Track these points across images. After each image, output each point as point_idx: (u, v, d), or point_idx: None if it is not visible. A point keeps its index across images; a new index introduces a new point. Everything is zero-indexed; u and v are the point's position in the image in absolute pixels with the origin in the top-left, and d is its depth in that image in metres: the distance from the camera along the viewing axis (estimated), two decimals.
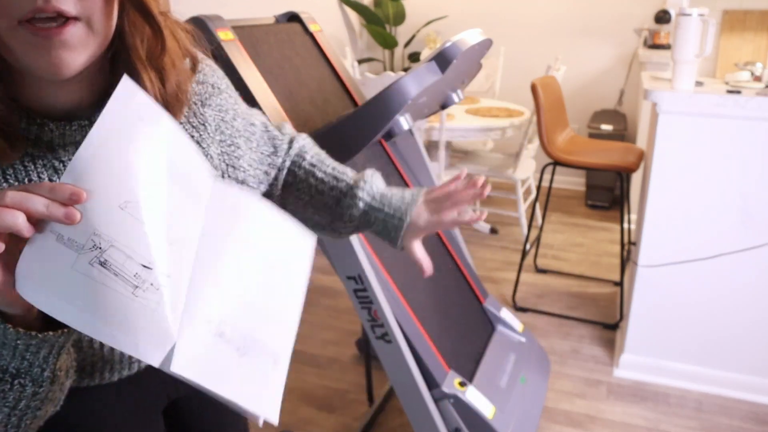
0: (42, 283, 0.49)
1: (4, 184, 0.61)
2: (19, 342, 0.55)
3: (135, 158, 0.54)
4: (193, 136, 0.80)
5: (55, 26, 0.55)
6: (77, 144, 0.65)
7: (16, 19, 0.54)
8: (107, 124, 0.53)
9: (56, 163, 0.65)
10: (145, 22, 0.64)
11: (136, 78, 0.64)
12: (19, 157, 0.61)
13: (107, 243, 0.50)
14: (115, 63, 0.65)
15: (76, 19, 0.56)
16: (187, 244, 0.58)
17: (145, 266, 0.52)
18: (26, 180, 0.63)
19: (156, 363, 0.53)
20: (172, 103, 0.69)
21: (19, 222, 0.48)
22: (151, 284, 0.53)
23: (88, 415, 0.81)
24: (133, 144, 0.54)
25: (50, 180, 0.64)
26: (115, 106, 0.54)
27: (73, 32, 0.57)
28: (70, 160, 0.65)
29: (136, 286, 0.52)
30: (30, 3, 0.54)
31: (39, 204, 0.48)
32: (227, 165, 0.84)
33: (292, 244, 0.70)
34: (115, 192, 0.51)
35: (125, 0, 0.62)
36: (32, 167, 0.63)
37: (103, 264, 0.50)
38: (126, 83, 0.56)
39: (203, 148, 0.82)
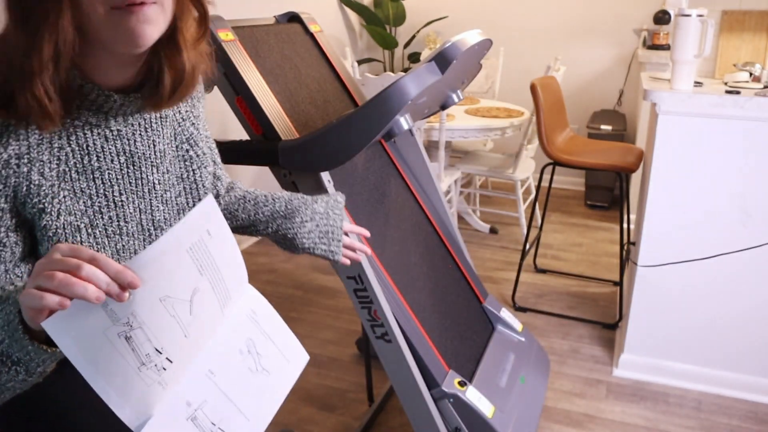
0: (73, 332, 0.59)
1: (68, 148, 0.75)
2: (30, 348, 0.64)
3: (189, 264, 0.66)
4: (194, 124, 0.93)
5: (136, 5, 0.69)
6: (125, 114, 0.80)
7: (110, 5, 0.68)
8: (181, 230, 0.65)
9: (107, 132, 0.79)
10: (194, 6, 0.78)
11: (179, 55, 0.77)
12: (60, 125, 0.74)
13: (138, 324, 0.62)
14: (156, 47, 0.76)
15: (153, 2, 0.70)
16: (202, 338, 0.70)
17: (157, 350, 0.64)
18: (85, 145, 0.77)
19: (132, 426, 0.64)
20: (189, 81, 0.80)
21: (89, 294, 0.58)
22: (155, 365, 0.64)
23: (72, 392, 0.86)
24: (193, 253, 0.66)
25: (102, 147, 0.78)
26: (194, 218, 0.67)
27: (152, 10, 0.70)
28: (118, 129, 0.80)
29: (143, 364, 0.63)
30: None
31: (103, 282, 0.59)
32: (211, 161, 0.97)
33: (289, 357, 0.82)
34: (163, 287, 0.63)
35: None
36: (90, 134, 0.77)
37: (127, 338, 0.61)
38: (209, 201, 0.69)
39: (202, 134, 0.94)
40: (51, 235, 0.74)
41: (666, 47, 3.68)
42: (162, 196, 0.86)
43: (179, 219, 0.87)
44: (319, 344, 2.53)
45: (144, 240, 0.84)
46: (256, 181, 3.59)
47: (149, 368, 0.63)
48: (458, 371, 1.64)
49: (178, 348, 0.66)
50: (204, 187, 0.93)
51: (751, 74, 2.28)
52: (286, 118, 1.51)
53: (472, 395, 1.58)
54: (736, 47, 3.50)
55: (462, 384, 1.58)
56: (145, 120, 0.83)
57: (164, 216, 0.87)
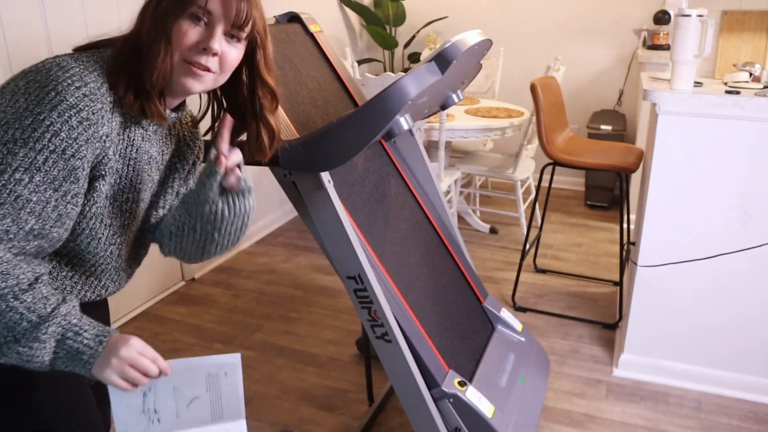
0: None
1: (124, 137, 1.00)
2: (81, 373, 0.92)
3: (201, 381, 1.03)
4: (194, 152, 1.18)
5: (200, 70, 0.96)
6: (159, 126, 1.07)
7: (183, 58, 0.95)
8: (209, 360, 1.02)
9: (145, 134, 1.04)
10: (269, 93, 1.09)
11: (267, 119, 1.10)
12: (165, 119, 1.02)
13: (154, 391, 1.01)
14: (252, 114, 1.10)
15: (213, 72, 0.98)
16: (189, 425, 1.03)
17: (155, 410, 1.01)
18: (134, 138, 1.01)
19: None
20: (279, 135, 1.12)
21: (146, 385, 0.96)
22: (149, 417, 1.01)
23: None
24: (208, 377, 1.03)
25: (140, 144, 1.03)
26: (220, 359, 1.03)
27: (207, 77, 0.98)
28: (149, 135, 1.05)
29: (143, 411, 1.01)
30: (197, 55, 0.96)
31: (152, 371, 0.95)
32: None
33: None
34: (178, 382, 1.01)
35: (258, 81, 1.06)
36: (138, 132, 1.02)
37: (144, 394, 1.00)
38: (236, 359, 1.04)
39: (197, 158, 1.19)
40: (94, 195, 0.97)
41: (666, 47, 3.68)
42: (149, 191, 1.10)
43: (150, 214, 1.14)
44: (319, 344, 2.53)
45: (132, 221, 1.08)
46: (256, 182, 3.59)
47: (146, 415, 1.01)
48: (458, 371, 1.64)
49: (168, 418, 1.02)
50: (176, 193, 1.19)
51: (751, 74, 2.28)
52: (286, 118, 1.51)
53: (472, 395, 1.58)
54: (736, 47, 3.50)
55: (462, 384, 1.58)
56: (163, 133, 1.09)
57: (142, 207, 1.10)
